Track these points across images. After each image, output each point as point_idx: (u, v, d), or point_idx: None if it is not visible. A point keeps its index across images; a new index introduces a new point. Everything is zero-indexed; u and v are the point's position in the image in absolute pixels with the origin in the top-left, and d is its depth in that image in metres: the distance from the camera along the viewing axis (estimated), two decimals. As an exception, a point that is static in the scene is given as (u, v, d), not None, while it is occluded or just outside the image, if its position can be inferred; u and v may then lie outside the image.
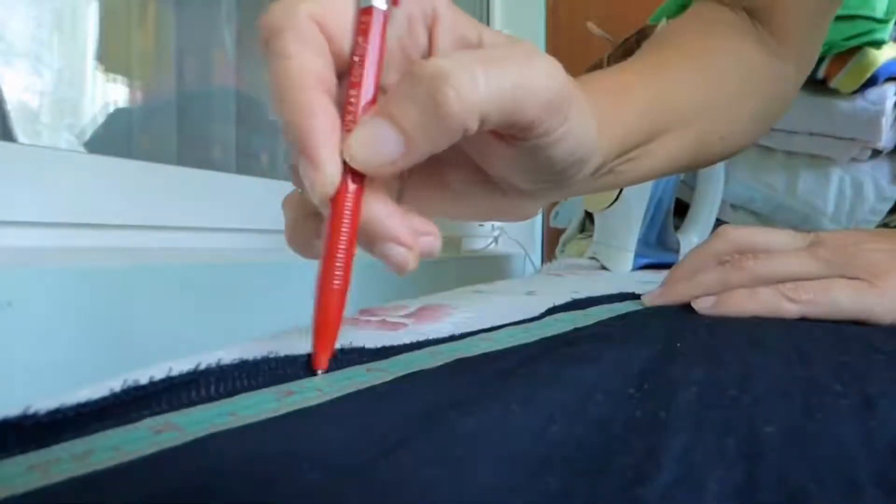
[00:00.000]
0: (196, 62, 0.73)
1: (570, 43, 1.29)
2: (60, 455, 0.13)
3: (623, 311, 0.33)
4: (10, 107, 0.55)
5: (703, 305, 0.32)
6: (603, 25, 0.94)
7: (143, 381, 0.17)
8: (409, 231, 0.21)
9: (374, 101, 0.20)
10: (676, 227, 0.80)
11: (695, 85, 0.38)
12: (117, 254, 0.49)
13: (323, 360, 0.20)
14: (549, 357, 0.22)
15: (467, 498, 0.11)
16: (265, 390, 0.18)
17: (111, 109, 0.65)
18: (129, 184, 0.55)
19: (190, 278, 0.48)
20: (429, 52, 0.23)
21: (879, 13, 0.66)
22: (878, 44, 0.67)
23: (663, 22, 0.68)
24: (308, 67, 0.19)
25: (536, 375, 0.19)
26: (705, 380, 0.19)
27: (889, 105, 0.68)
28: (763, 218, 0.79)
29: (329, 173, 0.19)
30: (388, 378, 0.19)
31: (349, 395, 0.18)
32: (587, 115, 0.24)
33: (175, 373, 0.17)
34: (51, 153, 0.50)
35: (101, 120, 0.64)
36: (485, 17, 1.46)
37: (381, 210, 0.20)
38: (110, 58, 0.65)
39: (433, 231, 0.22)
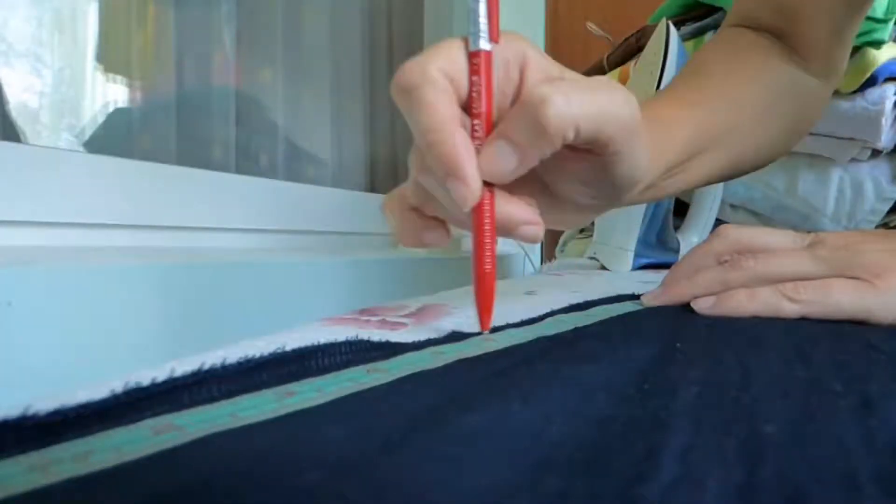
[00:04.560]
0: (196, 62, 0.73)
1: (570, 43, 1.29)
2: (61, 455, 0.13)
3: (623, 312, 0.33)
4: (10, 107, 0.55)
5: (702, 305, 0.32)
6: (603, 25, 0.94)
7: (145, 381, 0.17)
8: (533, 213, 0.27)
9: (491, 125, 0.26)
10: (676, 227, 0.80)
11: (729, 111, 0.42)
12: (117, 254, 0.49)
13: (487, 323, 0.27)
14: (550, 356, 0.22)
15: (467, 498, 0.11)
16: (266, 391, 0.18)
17: (111, 109, 0.65)
18: (129, 184, 0.55)
19: (190, 278, 0.48)
20: (519, 89, 0.27)
21: (879, 13, 0.66)
22: (877, 44, 0.67)
23: (663, 22, 0.68)
24: (448, 112, 0.24)
25: (536, 375, 0.19)
26: (705, 380, 0.19)
27: (889, 105, 0.68)
28: (763, 218, 0.79)
29: (475, 188, 0.24)
30: (389, 379, 0.19)
31: (349, 395, 0.18)
32: (644, 140, 0.29)
33: (178, 373, 0.17)
34: (51, 153, 0.50)
35: (101, 120, 0.64)
36: (485, 17, 1.46)
37: (511, 205, 0.26)
38: (110, 58, 0.65)
39: (534, 204, 0.28)
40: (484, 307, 0.27)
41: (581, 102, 0.25)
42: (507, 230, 0.27)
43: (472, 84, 0.25)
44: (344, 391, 0.18)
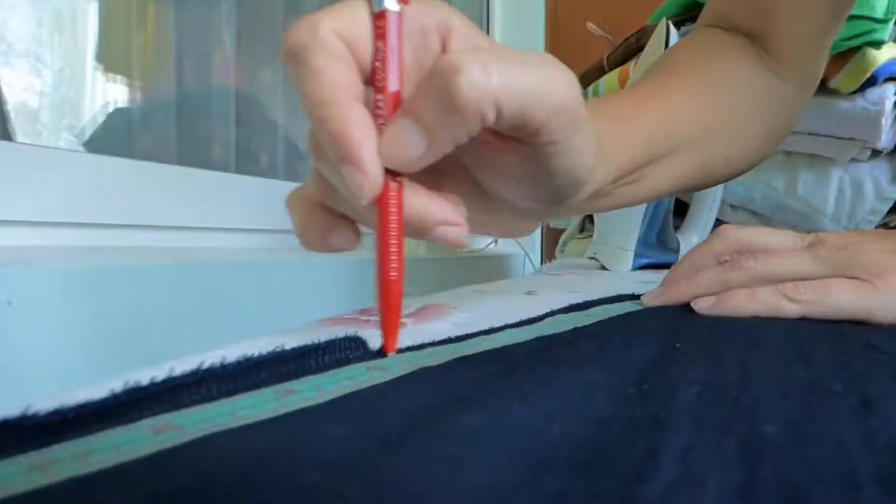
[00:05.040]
0: (196, 62, 0.73)
1: (570, 43, 1.29)
2: (60, 455, 0.13)
3: (623, 312, 0.33)
4: (10, 107, 0.55)
5: (702, 306, 0.32)
6: (603, 25, 0.94)
7: (144, 381, 0.17)
8: (455, 212, 0.23)
9: (399, 101, 0.21)
10: (676, 227, 0.80)
11: (697, 111, 0.38)
12: (117, 253, 0.49)
13: (392, 343, 0.22)
14: (549, 356, 0.22)
15: (467, 498, 0.11)
16: (265, 390, 0.18)
17: (111, 109, 0.65)
18: (129, 184, 0.55)
19: (190, 278, 0.48)
20: None
21: (879, 13, 0.66)
22: (877, 44, 0.67)
23: (663, 22, 0.68)
24: (340, 80, 0.20)
25: (536, 375, 0.19)
26: (705, 380, 0.19)
27: (889, 105, 0.68)
28: (763, 218, 0.79)
29: (373, 176, 0.20)
30: (389, 378, 0.19)
31: (349, 394, 0.18)
32: (591, 136, 0.25)
33: (178, 372, 0.17)
34: (51, 153, 0.50)
35: (101, 120, 0.64)
36: (485, 17, 1.46)
37: (426, 201, 0.22)
38: (110, 58, 0.65)
39: (461, 203, 0.23)
40: (389, 323, 0.22)
41: (505, 75, 0.20)
42: (421, 230, 0.22)
43: (376, 51, 0.21)
44: (343, 390, 0.18)
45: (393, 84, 0.21)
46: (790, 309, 0.31)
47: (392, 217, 0.21)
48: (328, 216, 0.24)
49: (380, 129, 0.21)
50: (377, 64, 0.21)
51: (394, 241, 0.21)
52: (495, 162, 0.25)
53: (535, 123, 0.22)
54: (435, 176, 0.25)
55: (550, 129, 0.22)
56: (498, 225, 0.29)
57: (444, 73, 0.20)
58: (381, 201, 0.21)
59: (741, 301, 0.31)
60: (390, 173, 0.21)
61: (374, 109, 0.21)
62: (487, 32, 1.49)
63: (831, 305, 0.30)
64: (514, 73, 0.20)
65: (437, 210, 0.22)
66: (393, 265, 0.21)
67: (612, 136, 0.30)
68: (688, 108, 0.38)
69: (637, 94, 0.38)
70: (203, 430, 0.15)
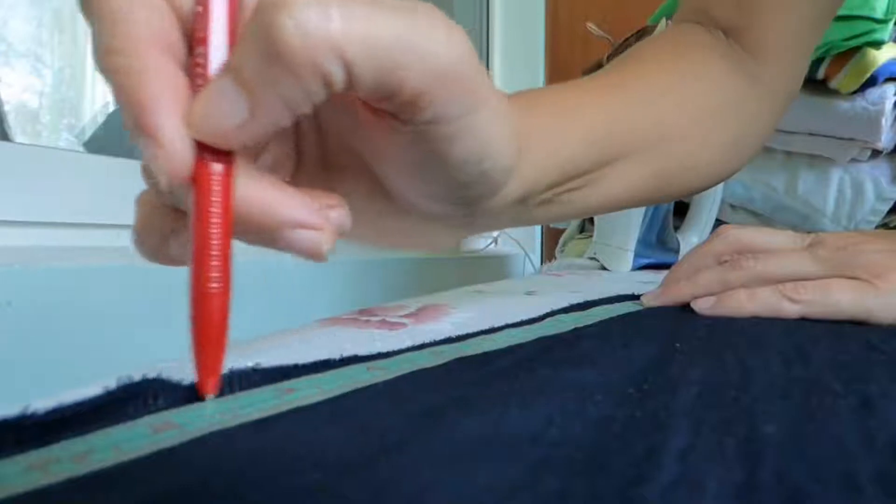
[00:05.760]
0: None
1: (570, 43, 1.29)
2: (60, 455, 0.13)
3: (623, 312, 0.33)
4: (10, 107, 0.55)
5: (702, 306, 0.32)
6: (603, 25, 0.94)
7: (137, 377, 0.17)
8: (313, 210, 0.17)
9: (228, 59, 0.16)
10: (676, 227, 0.80)
11: (657, 108, 0.33)
12: (117, 254, 0.49)
13: (210, 384, 0.16)
14: (549, 357, 0.22)
15: (467, 498, 0.11)
16: (266, 387, 0.18)
17: (111, 109, 0.65)
18: (128, 184, 0.55)
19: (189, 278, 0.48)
20: None
21: (879, 13, 0.66)
22: (877, 44, 0.67)
23: (663, 22, 0.68)
24: (142, 24, 0.16)
25: (536, 375, 0.19)
26: (705, 380, 0.19)
27: (889, 105, 0.68)
28: (763, 218, 0.79)
29: (176, 150, 0.15)
30: (389, 377, 0.19)
31: (349, 393, 0.18)
32: (503, 120, 0.20)
33: (174, 372, 0.17)
34: (51, 153, 0.50)
35: (100, 120, 0.64)
36: (485, 16, 1.46)
37: (270, 193, 0.17)
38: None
39: (338, 202, 0.18)
40: (206, 356, 0.16)
41: (354, 21, 0.15)
42: (263, 231, 0.17)
43: None
44: (344, 388, 0.18)
45: (218, 38, 0.16)
46: (790, 309, 0.31)
47: (213, 209, 0.16)
48: (170, 218, 0.18)
49: (197, 91, 0.16)
50: (199, 8, 0.16)
51: (214, 242, 0.16)
52: (378, 146, 0.20)
53: (406, 93, 0.17)
54: (327, 170, 0.21)
55: (431, 104, 0.17)
56: (409, 235, 0.25)
57: (266, 11, 0.15)
58: (198, 188, 0.16)
59: (741, 301, 0.31)
60: (212, 152, 0.16)
61: (192, 68, 0.16)
62: (487, 32, 1.49)
63: (831, 305, 0.30)
64: (368, 18, 0.15)
65: (286, 206, 0.17)
66: (214, 273, 0.16)
67: (548, 130, 0.26)
68: (645, 104, 0.33)
69: (589, 84, 0.32)
70: (203, 428, 0.15)
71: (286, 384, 0.18)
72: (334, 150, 0.19)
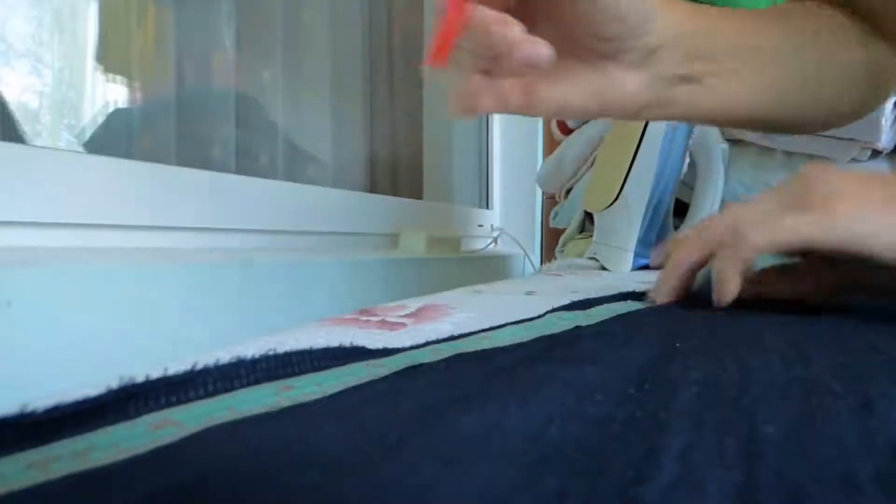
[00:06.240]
0: (196, 62, 0.73)
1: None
2: (59, 452, 0.13)
3: (623, 311, 0.33)
4: (10, 107, 0.55)
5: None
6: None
7: (140, 379, 0.17)
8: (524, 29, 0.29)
9: None
10: (676, 227, 0.80)
11: (792, 56, 0.39)
12: (117, 254, 0.49)
13: (438, 56, 0.27)
14: (549, 356, 0.22)
15: (466, 497, 0.11)
16: (265, 384, 0.18)
17: (111, 109, 0.65)
18: (129, 184, 0.55)
19: (190, 279, 0.48)
20: None
21: (879, 13, 0.65)
22: (878, 44, 0.67)
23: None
24: None
25: (535, 374, 0.19)
26: (705, 380, 0.19)
27: (889, 105, 0.68)
28: (763, 218, 0.79)
29: None
30: (387, 373, 0.19)
31: (348, 390, 0.18)
32: None
33: (172, 372, 0.17)
34: (51, 153, 0.50)
35: (101, 120, 0.64)
36: (485, 17, 1.46)
37: (493, 11, 0.29)
38: (110, 58, 0.65)
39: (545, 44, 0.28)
40: (443, 33, 0.27)
41: None
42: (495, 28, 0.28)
43: None
44: (343, 386, 0.18)
45: None
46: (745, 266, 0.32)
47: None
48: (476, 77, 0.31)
49: None
50: None
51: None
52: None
53: None
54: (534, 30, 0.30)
55: None
56: (598, 82, 0.34)
57: None
58: None
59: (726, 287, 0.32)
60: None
61: None
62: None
63: (788, 231, 0.31)
64: None
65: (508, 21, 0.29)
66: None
67: (689, 9, 0.35)
68: (781, 44, 0.39)
69: (732, 12, 0.39)
70: (202, 424, 0.15)
71: (285, 382, 0.18)
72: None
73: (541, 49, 0.28)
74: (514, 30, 0.28)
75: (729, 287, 0.32)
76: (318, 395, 0.17)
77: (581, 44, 0.33)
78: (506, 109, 0.32)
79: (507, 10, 0.30)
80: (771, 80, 0.39)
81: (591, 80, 0.34)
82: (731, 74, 0.37)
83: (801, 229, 0.30)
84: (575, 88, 0.34)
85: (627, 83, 0.35)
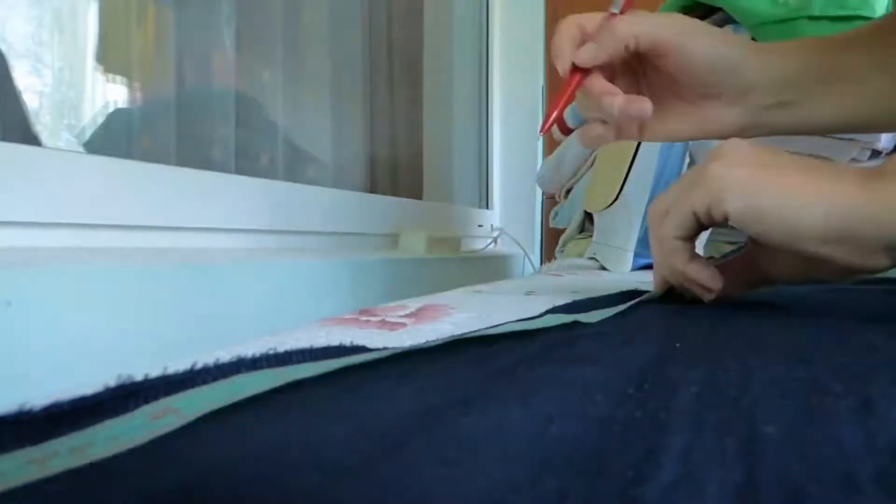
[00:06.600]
0: (196, 62, 0.73)
1: (570, 43, 1.29)
2: (58, 449, 0.13)
3: (623, 311, 0.33)
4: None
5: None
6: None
7: (139, 377, 0.17)
8: (618, 90, 0.39)
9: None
10: (676, 228, 0.79)
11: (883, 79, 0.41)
12: (117, 254, 0.49)
13: (544, 125, 0.41)
14: (549, 356, 0.22)
15: (466, 498, 0.11)
16: (266, 370, 0.18)
17: (111, 110, 0.65)
18: (129, 184, 0.55)
19: (189, 279, 0.48)
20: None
21: (879, 13, 0.66)
22: (878, 44, 0.67)
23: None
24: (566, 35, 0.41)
25: (536, 375, 0.19)
26: (705, 380, 0.19)
27: (889, 105, 0.68)
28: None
29: (563, 65, 0.40)
30: (388, 375, 0.19)
31: (347, 389, 0.18)
32: (711, 40, 0.40)
33: (171, 371, 0.17)
34: (51, 153, 0.50)
35: (100, 120, 0.64)
36: (485, 16, 1.46)
37: (603, 83, 0.39)
38: (110, 58, 0.65)
39: (640, 97, 0.38)
40: (553, 104, 0.40)
41: (641, 26, 0.38)
42: (598, 98, 0.39)
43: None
44: (343, 386, 0.18)
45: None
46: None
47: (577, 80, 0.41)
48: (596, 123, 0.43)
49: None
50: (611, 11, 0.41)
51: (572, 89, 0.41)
52: (664, 64, 0.41)
53: (661, 48, 0.40)
54: (638, 84, 0.43)
55: (669, 48, 0.40)
56: (702, 116, 0.42)
57: (608, 24, 0.40)
58: (571, 75, 0.41)
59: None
60: (582, 70, 0.40)
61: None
62: (487, 32, 1.48)
63: (678, 215, 0.33)
64: (646, 22, 0.39)
65: (610, 88, 0.39)
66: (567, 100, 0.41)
67: (766, 49, 0.40)
68: (869, 61, 0.41)
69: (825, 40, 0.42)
70: (201, 410, 0.15)
71: (284, 368, 0.18)
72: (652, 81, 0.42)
73: (644, 105, 0.37)
74: (617, 99, 0.38)
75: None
76: (314, 372, 0.17)
77: (684, 87, 0.41)
78: (625, 139, 0.44)
79: (618, 67, 0.42)
80: (862, 93, 0.41)
81: (693, 115, 0.42)
82: (823, 97, 0.41)
83: (691, 202, 0.32)
84: (680, 124, 0.43)
85: (724, 116, 0.42)
